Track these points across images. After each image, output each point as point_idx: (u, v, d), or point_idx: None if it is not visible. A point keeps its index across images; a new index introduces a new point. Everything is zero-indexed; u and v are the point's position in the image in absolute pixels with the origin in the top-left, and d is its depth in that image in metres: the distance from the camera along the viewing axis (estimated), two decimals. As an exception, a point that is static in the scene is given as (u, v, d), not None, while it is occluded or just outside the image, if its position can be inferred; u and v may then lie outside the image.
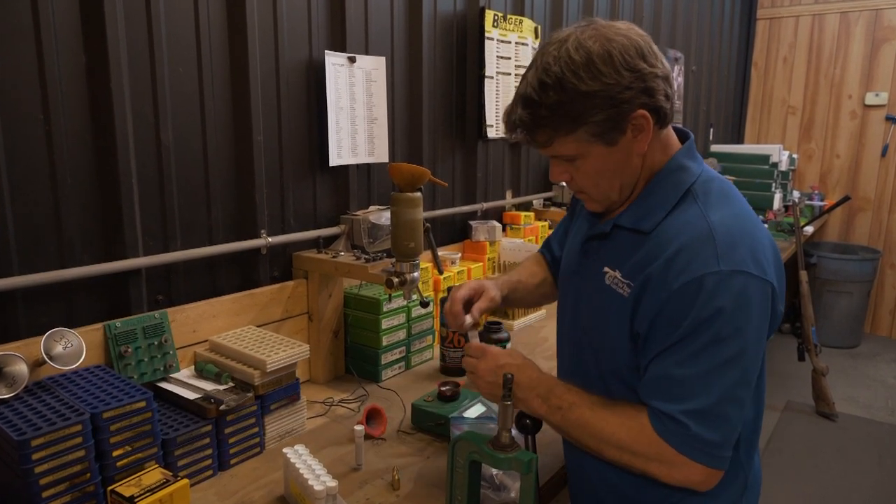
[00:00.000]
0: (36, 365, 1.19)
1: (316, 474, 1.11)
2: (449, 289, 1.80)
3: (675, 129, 1.08)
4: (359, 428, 1.28)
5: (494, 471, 1.18)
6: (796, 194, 4.79)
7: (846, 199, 4.03)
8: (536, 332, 2.15)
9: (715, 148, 4.86)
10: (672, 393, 0.95)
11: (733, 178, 4.43)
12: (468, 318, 1.22)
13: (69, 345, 1.21)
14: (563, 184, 1.23)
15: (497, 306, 1.31)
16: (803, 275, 3.68)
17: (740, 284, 0.92)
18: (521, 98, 0.99)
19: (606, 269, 1.07)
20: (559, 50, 0.95)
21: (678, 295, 0.94)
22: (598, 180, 1.04)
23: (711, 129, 4.97)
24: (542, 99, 0.95)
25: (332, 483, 1.08)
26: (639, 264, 1.00)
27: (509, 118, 1.02)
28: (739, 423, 0.98)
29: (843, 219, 5.16)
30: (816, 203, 4.79)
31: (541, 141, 1.01)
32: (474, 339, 1.22)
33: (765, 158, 4.48)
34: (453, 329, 1.24)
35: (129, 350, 1.32)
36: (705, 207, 0.99)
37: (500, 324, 1.72)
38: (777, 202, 4.34)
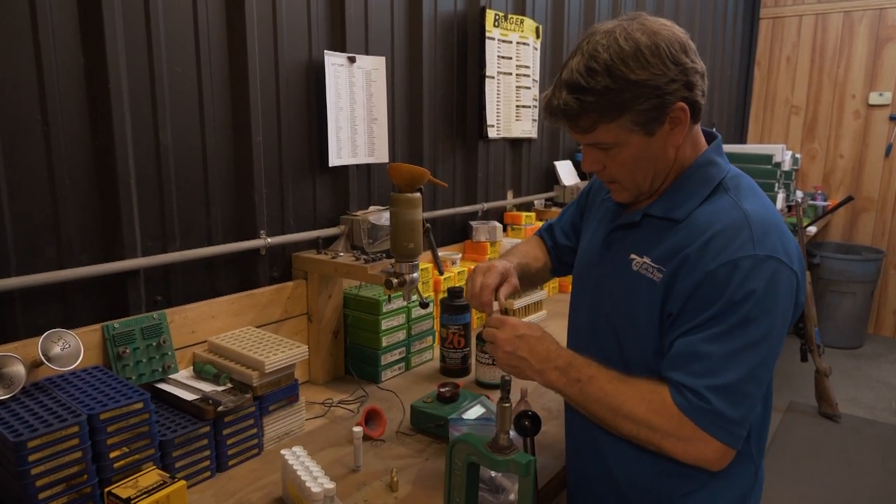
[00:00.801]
0: (33, 366, 1.19)
1: (313, 476, 1.10)
2: (449, 289, 1.80)
3: (703, 131, 1.12)
4: (357, 429, 1.28)
5: (493, 472, 1.17)
6: (799, 194, 4.77)
7: (850, 199, 4.02)
8: (537, 333, 2.14)
9: (718, 148, 4.83)
10: (697, 368, 0.97)
11: (736, 178, 4.40)
12: (496, 305, 1.22)
13: (67, 346, 1.21)
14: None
15: (519, 289, 1.31)
16: (806, 275, 3.66)
17: (772, 270, 0.96)
18: (567, 83, 0.99)
19: (633, 255, 1.08)
20: (607, 39, 0.97)
21: (713, 275, 0.96)
22: (633, 170, 1.05)
23: (714, 129, 4.95)
24: (591, 84, 0.96)
25: (330, 485, 1.07)
26: (672, 248, 1.02)
27: (550, 104, 1.03)
28: (758, 403, 1.00)
29: (847, 219, 5.14)
30: (820, 203, 4.77)
31: (584, 126, 1.02)
32: (496, 313, 1.21)
33: (768, 158, 4.46)
34: (480, 311, 1.24)
35: (128, 351, 1.32)
36: (738, 198, 1.03)
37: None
38: (780, 202, 4.32)
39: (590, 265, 1.21)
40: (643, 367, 1.07)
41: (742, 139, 5.54)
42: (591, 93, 0.97)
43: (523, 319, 2.16)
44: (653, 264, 1.04)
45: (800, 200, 4.33)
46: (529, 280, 1.40)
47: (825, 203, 4.83)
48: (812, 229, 4.19)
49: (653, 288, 1.04)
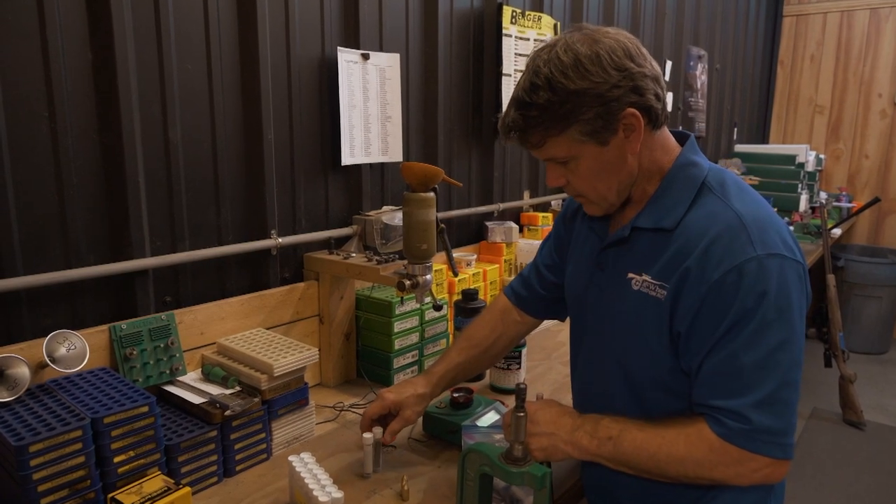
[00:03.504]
0: (39, 367, 1.17)
1: (321, 485, 1.07)
2: (463, 291, 1.76)
3: (673, 133, 1.10)
4: (368, 435, 1.24)
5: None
6: (823, 196, 4.67)
7: (876, 200, 3.92)
8: (553, 337, 2.10)
9: (739, 148, 4.76)
10: (734, 387, 0.93)
11: (758, 178, 4.33)
12: (367, 436, 1.23)
13: (72, 347, 1.19)
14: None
15: (413, 422, 1.30)
16: (830, 279, 3.57)
17: (778, 267, 0.93)
18: (514, 101, 1.01)
19: (631, 274, 1.05)
20: (549, 54, 0.98)
21: (718, 286, 0.93)
22: (593, 182, 1.04)
23: (735, 129, 4.87)
24: (534, 100, 0.97)
25: (338, 495, 1.04)
26: (671, 262, 0.99)
27: (503, 122, 1.04)
28: (797, 406, 0.96)
29: (872, 221, 5.03)
30: (844, 205, 4.67)
31: (533, 142, 1.02)
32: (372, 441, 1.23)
33: (791, 159, 4.38)
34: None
35: (135, 352, 1.30)
36: (726, 198, 1.00)
37: (515, 328, 1.67)
38: (803, 204, 4.24)
39: (581, 289, 1.17)
40: (659, 387, 1.04)
41: (764, 139, 5.44)
42: (534, 108, 0.97)
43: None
44: (654, 281, 1.01)
45: (824, 202, 4.24)
46: (479, 365, 1.40)
47: (850, 205, 4.72)
48: (836, 231, 4.09)
49: (658, 306, 1.00)
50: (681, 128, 1.37)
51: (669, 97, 3.55)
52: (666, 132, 1.07)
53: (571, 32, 1.00)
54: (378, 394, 1.30)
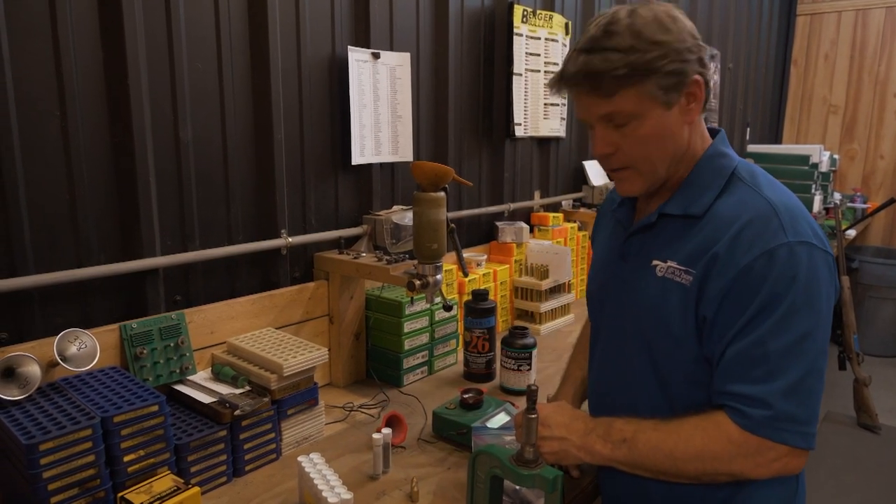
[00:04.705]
0: (49, 366, 1.17)
1: (331, 485, 1.06)
2: (473, 291, 1.75)
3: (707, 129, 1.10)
4: (377, 436, 1.23)
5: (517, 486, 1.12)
6: (837, 196, 4.61)
7: (891, 201, 3.86)
8: (564, 338, 2.08)
9: (752, 148, 4.71)
10: (757, 374, 0.92)
11: (771, 179, 4.27)
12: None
13: (83, 346, 1.19)
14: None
15: None
16: (845, 280, 3.53)
17: (808, 255, 0.92)
18: (586, 48, 0.96)
19: (656, 261, 1.03)
20: (624, 10, 0.96)
21: (748, 270, 0.92)
22: (650, 147, 1.00)
23: (748, 129, 4.82)
24: (615, 43, 0.93)
25: (347, 495, 1.03)
26: (699, 248, 0.97)
27: (565, 72, 0.98)
28: (821, 396, 0.95)
29: (888, 222, 4.96)
30: (859, 206, 4.61)
31: (606, 90, 0.95)
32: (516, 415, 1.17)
33: (804, 159, 4.32)
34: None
35: (145, 351, 1.30)
36: (757, 187, 0.99)
37: (525, 329, 1.66)
38: (817, 204, 4.18)
39: (607, 280, 1.15)
40: (683, 378, 1.01)
41: (777, 139, 5.38)
42: (615, 51, 0.93)
43: (549, 324, 2.10)
44: (680, 267, 0.99)
45: (838, 203, 4.18)
46: None
47: (865, 206, 4.66)
48: (851, 233, 4.05)
49: (684, 292, 0.98)
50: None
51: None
52: (703, 121, 1.07)
53: (640, 5, 0.99)
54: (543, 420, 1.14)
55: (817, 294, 0.92)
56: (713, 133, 1.09)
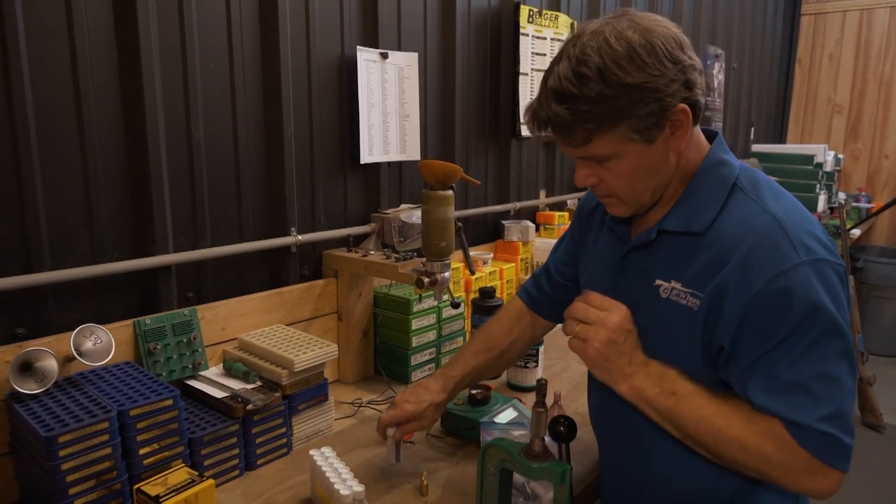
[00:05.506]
0: (66, 360, 1.19)
1: (343, 479, 1.08)
2: (480, 289, 1.77)
3: (701, 129, 1.04)
4: (391, 429, 1.24)
5: (526, 479, 1.13)
6: (842, 196, 4.62)
7: (896, 201, 3.86)
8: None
9: (756, 148, 4.72)
10: (802, 401, 0.87)
11: (775, 178, 4.28)
12: (390, 430, 1.22)
13: (99, 341, 1.21)
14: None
15: (429, 429, 1.32)
16: (850, 279, 3.54)
17: (823, 272, 0.88)
18: (556, 93, 0.90)
19: (659, 281, 0.98)
20: (596, 40, 0.89)
21: (764, 295, 0.87)
22: (632, 181, 0.96)
23: (752, 129, 4.83)
24: (584, 92, 0.87)
25: (359, 488, 1.05)
26: (705, 271, 0.93)
27: (538, 115, 0.94)
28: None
29: (892, 222, 4.96)
30: (863, 205, 4.62)
31: (578, 139, 0.92)
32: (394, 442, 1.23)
33: (809, 159, 4.33)
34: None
35: (158, 347, 1.32)
36: (761, 200, 0.94)
37: (532, 326, 1.67)
38: (822, 204, 4.19)
39: (607, 293, 1.05)
40: None
41: (781, 139, 5.39)
42: (584, 101, 0.88)
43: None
44: (685, 289, 0.95)
45: (843, 202, 4.19)
46: (492, 368, 1.33)
47: (869, 205, 4.67)
48: (856, 232, 4.05)
49: (690, 316, 0.94)
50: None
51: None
52: (698, 129, 1.01)
53: (617, 18, 0.92)
54: (395, 402, 1.24)
55: (838, 310, 0.88)
56: (710, 136, 1.03)
